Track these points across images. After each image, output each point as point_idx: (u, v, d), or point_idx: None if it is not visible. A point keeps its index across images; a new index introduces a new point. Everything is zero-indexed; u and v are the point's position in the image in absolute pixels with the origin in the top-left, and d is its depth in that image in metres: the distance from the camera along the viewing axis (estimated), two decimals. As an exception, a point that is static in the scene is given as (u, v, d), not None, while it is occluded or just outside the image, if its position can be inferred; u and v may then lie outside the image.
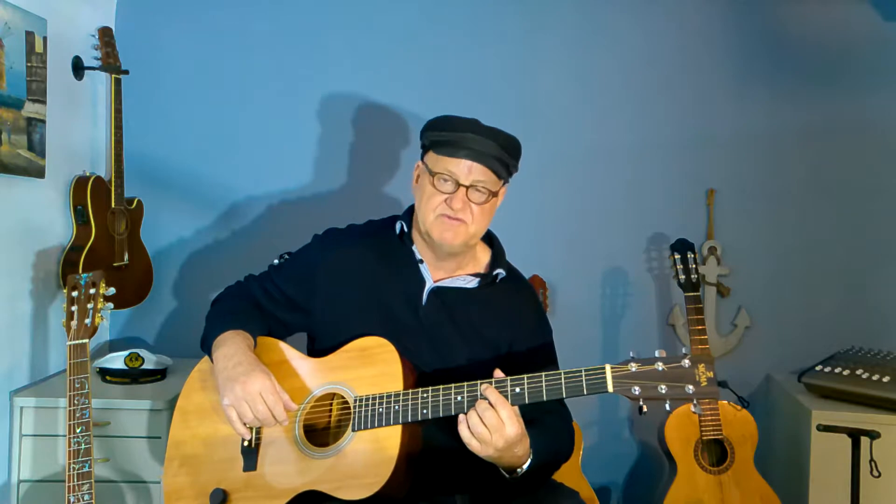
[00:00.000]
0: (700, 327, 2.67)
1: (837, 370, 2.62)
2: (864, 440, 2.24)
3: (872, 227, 2.99)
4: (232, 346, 1.80)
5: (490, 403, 1.59)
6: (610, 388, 1.56)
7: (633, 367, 1.56)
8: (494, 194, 1.83)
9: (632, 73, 3.02)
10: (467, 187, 1.79)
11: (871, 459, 2.25)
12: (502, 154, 1.80)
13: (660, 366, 1.55)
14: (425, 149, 1.87)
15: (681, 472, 2.63)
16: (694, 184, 3.03)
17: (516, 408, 1.62)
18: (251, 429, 1.77)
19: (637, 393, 1.54)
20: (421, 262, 1.89)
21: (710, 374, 1.53)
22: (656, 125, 3.02)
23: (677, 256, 2.75)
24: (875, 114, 2.97)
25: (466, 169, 1.78)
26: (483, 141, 1.77)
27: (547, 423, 1.78)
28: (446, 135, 1.79)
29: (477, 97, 3.00)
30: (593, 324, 3.06)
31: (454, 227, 1.81)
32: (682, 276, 2.73)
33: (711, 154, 3.02)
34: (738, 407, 2.69)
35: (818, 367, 2.68)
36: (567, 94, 3.03)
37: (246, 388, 1.71)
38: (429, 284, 1.88)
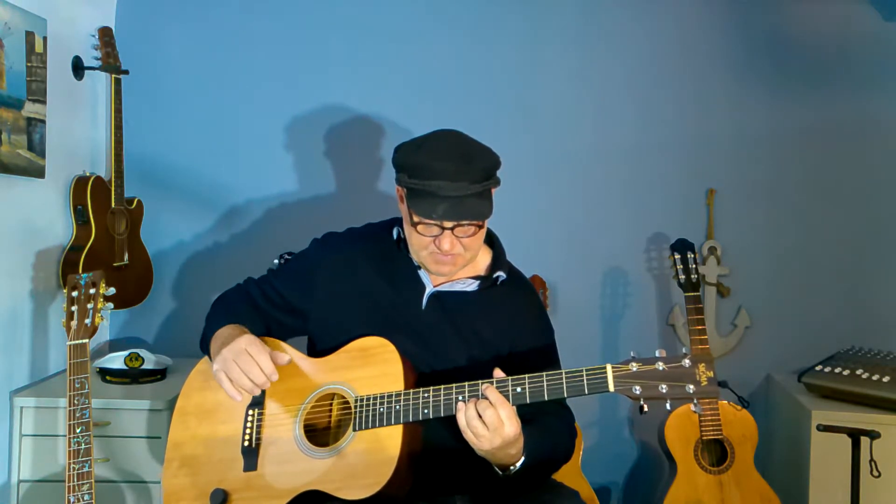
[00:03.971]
0: (700, 327, 2.67)
1: (837, 370, 2.62)
2: (864, 440, 2.24)
3: (872, 228, 2.99)
4: (229, 336, 1.80)
5: (490, 403, 1.59)
6: (611, 388, 1.56)
7: (634, 366, 1.56)
8: (481, 226, 1.78)
9: (632, 74, 3.03)
10: (452, 228, 1.74)
11: (871, 459, 2.25)
12: (479, 186, 1.73)
13: (660, 365, 1.55)
14: (399, 181, 1.80)
15: (681, 472, 2.64)
16: (694, 184, 3.03)
17: (514, 408, 1.62)
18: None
19: (638, 392, 1.55)
20: (419, 268, 1.88)
21: (711, 374, 1.53)
22: (656, 125, 3.03)
23: (677, 256, 2.75)
24: (875, 114, 2.97)
25: (447, 220, 1.73)
26: (456, 185, 1.69)
27: (545, 424, 1.77)
28: (417, 184, 1.72)
29: (477, 97, 3.00)
30: (593, 323, 3.06)
31: (450, 262, 1.79)
32: (682, 276, 2.73)
33: (711, 154, 3.02)
34: (738, 407, 2.69)
35: (818, 367, 2.68)
36: (567, 94, 3.03)
37: (232, 348, 1.74)
38: (428, 289, 1.87)
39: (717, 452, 2.68)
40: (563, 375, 1.60)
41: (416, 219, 1.74)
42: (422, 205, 1.71)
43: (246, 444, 1.79)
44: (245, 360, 1.72)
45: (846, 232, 3.00)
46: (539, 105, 3.03)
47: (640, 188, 3.03)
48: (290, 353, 1.87)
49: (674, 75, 3.02)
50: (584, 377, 1.59)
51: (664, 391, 1.54)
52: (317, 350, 1.91)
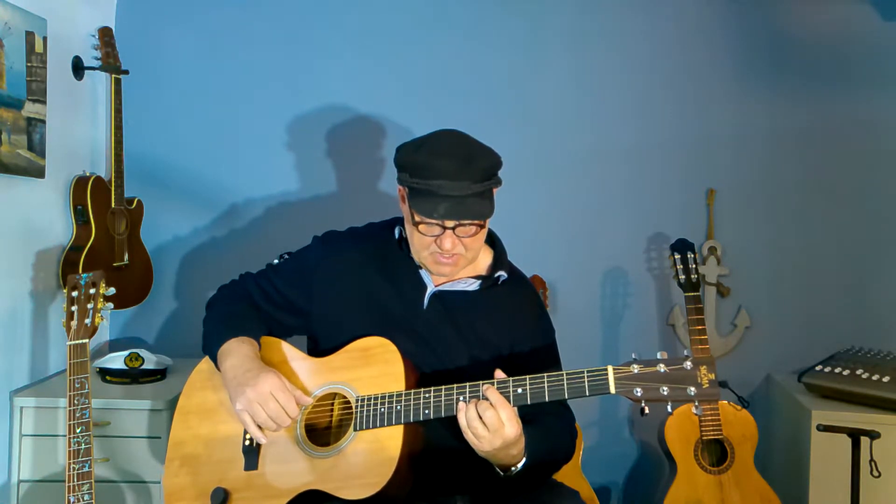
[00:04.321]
0: (700, 327, 2.67)
1: (837, 370, 2.62)
2: (864, 440, 2.24)
3: (872, 228, 2.99)
4: (238, 355, 1.79)
5: (491, 404, 1.59)
6: (612, 390, 1.56)
7: (636, 368, 1.56)
8: (482, 225, 1.78)
9: (632, 74, 3.03)
10: (453, 228, 1.74)
11: (871, 459, 2.26)
12: (480, 186, 1.73)
13: (662, 367, 1.55)
14: (400, 180, 1.81)
15: (681, 472, 2.64)
16: (694, 184, 3.03)
17: (515, 409, 1.62)
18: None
19: (639, 394, 1.55)
20: (420, 267, 1.88)
21: (712, 376, 1.53)
22: (656, 125, 3.02)
23: (677, 256, 2.75)
24: (875, 114, 2.97)
25: (448, 219, 1.73)
26: (458, 185, 1.70)
27: (546, 424, 1.77)
28: (419, 183, 1.72)
29: (477, 98, 3.00)
30: (593, 324, 3.06)
31: (451, 262, 1.79)
32: (682, 276, 2.73)
33: (711, 154, 3.02)
34: (738, 407, 2.69)
35: (818, 367, 2.68)
36: (567, 95, 3.03)
37: (257, 390, 1.71)
38: (430, 289, 1.87)
39: (717, 452, 2.68)
40: (564, 377, 1.60)
41: (417, 218, 1.75)
42: (423, 204, 1.72)
43: (247, 443, 1.79)
44: (272, 406, 1.71)
45: (846, 232, 3.00)
46: (539, 105, 3.03)
47: (640, 188, 3.03)
48: (290, 352, 1.88)
49: (674, 75, 3.02)
50: (586, 378, 1.59)
51: (665, 393, 1.54)
52: (318, 350, 1.91)
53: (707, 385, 1.53)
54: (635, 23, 3.02)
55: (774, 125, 3.00)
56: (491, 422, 1.58)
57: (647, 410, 1.54)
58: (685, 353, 1.58)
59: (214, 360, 1.85)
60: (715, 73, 3.02)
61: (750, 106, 3.01)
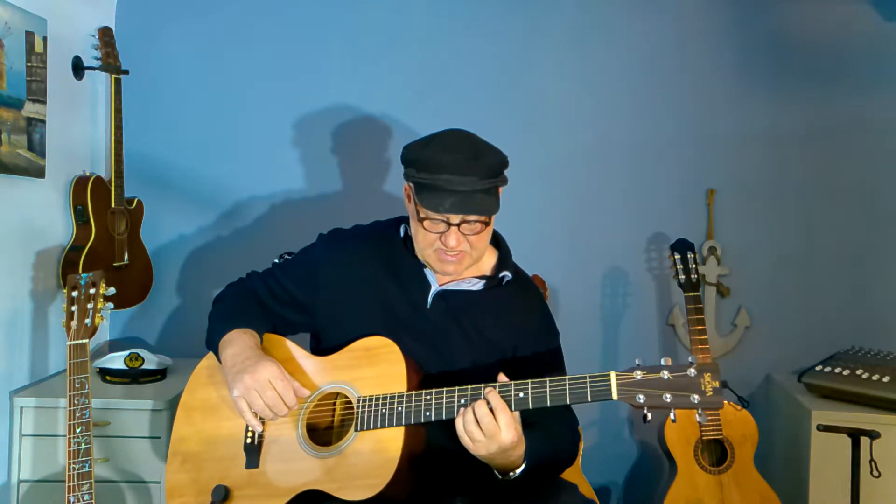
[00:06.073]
0: (700, 327, 2.67)
1: (837, 370, 2.63)
2: (864, 440, 2.24)
3: (872, 228, 2.99)
4: (239, 344, 1.80)
5: (490, 408, 1.59)
6: (614, 396, 1.54)
7: (639, 374, 1.55)
8: (487, 223, 1.78)
9: (632, 73, 3.02)
10: (458, 224, 1.74)
11: (871, 459, 2.26)
12: (487, 182, 1.72)
13: (665, 374, 1.54)
14: (407, 176, 1.81)
15: (681, 472, 2.64)
16: (694, 184, 3.03)
17: (517, 414, 1.62)
18: (263, 421, 1.77)
19: (641, 401, 1.53)
20: (425, 266, 1.88)
21: (716, 384, 1.51)
22: (656, 125, 3.02)
23: (677, 256, 2.75)
24: (875, 114, 2.97)
25: (454, 215, 1.73)
26: (465, 180, 1.69)
27: (548, 428, 1.77)
28: (426, 177, 1.72)
29: (477, 98, 3.00)
30: (593, 324, 3.05)
31: (455, 260, 1.79)
32: (682, 276, 2.73)
33: (711, 154, 3.02)
34: (738, 407, 2.69)
35: (818, 367, 2.68)
36: (567, 95, 3.03)
37: (255, 377, 1.72)
38: (434, 288, 1.87)
39: (717, 452, 2.69)
40: (567, 382, 1.59)
41: (422, 214, 1.75)
42: (429, 199, 1.71)
43: (248, 441, 1.79)
44: (270, 394, 1.71)
45: (846, 232, 3.00)
46: (539, 105, 3.03)
47: (640, 188, 3.03)
48: (293, 350, 1.88)
49: (674, 75, 3.02)
50: (588, 384, 1.58)
51: (668, 400, 1.52)
52: (321, 348, 1.91)
53: (711, 393, 1.51)
54: (635, 22, 3.02)
55: (775, 125, 3.00)
56: (487, 426, 1.58)
57: (649, 417, 1.53)
58: (689, 359, 1.56)
59: (216, 351, 1.86)
60: (715, 73, 3.01)
61: (750, 106, 3.01)
